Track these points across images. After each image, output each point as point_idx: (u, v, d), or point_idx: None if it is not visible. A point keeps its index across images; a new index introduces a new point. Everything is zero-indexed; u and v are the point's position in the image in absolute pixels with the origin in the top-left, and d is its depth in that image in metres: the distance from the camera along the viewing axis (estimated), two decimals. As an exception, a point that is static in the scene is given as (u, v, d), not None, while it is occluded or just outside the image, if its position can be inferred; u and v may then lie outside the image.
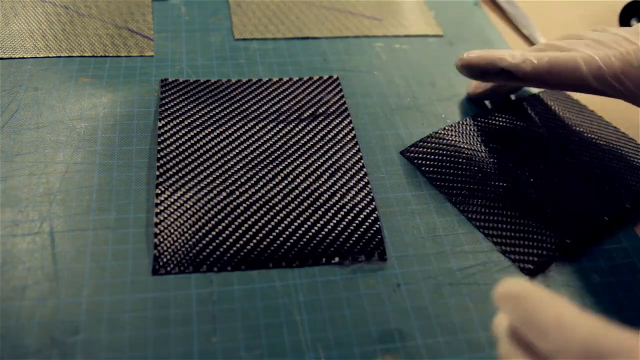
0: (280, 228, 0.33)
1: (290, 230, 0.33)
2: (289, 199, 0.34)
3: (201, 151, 0.36)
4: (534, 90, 0.44)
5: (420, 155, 0.38)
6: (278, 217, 0.33)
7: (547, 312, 0.20)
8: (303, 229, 0.33)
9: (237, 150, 0.37)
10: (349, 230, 0.33)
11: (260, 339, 0.28)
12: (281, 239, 0.32)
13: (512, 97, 0.44)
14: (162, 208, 0.33)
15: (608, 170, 0.38)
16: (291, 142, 0.38)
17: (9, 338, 0.27)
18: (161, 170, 0.35)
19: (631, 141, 0.41)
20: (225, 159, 0.36)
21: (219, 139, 0.37)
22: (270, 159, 0.37)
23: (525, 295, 0.21)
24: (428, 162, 0.38)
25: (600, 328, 0.19)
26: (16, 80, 0.40)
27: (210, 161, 0.36)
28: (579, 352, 0.19)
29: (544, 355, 0.20)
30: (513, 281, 0.22)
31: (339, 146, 0.38)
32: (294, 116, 0.40)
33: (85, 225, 0.32)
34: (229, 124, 0.38)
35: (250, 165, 0.36)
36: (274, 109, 0.40)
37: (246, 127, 0.38)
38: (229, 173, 0.35)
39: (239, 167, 0.36)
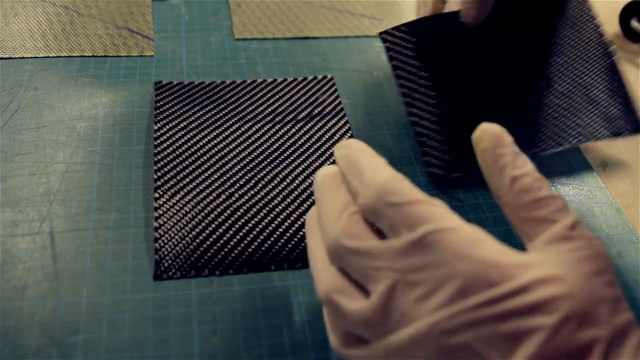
0: (280, 230, 0.33)
1: (291, 231, 0.33)
2: (288, 200, 0.34)
3: (198, 154, 0.36)
4: None
5: (396, 42, 0.38)
6: (278, 219, 0.33)
7: (364, 160, 0.24)
8: (304, 229, 0.33)
9: (234, 153, 0.37)
10: (349, 231, 0.33)
11: (260, 339, 0.28)
12: (282, 241, 0.32)
13: None
14: (161, 212, 0.33)
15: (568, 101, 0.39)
16: (288, 143, 0.38)
17: (9, 338, 0.27)
18: (159, 174, 0.35)
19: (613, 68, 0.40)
20: (223, 162, 0.36)
21: (215, 141, 0.37)
22: (268, 160, 0.36)
23: (353, 145, 0.25)
24: (399, 52, 0.38)
25: (395, 177, 0.22)
26: (16, 80, 0.40)
27: (208, 164, 0.36)
28: (376, 192, 0.22)
29: (354, 192, 0.23)
30: (346, 140, 0.26)
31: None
32: (290, 117, 0.40)
33: (85, 225, 0.32)
34: (224, 126, 0.38)
35: (248, 167, 0.36)
36: (269, 110, 0.40)
37: (242, 129, 0.38)
38: (227, 175, 0.35)
39: (236, 169, 0.36)
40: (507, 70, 0.39)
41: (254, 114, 0.40)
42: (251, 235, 0.32)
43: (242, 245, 0.32)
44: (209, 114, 0.39)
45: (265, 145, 0.37)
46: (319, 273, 0.24)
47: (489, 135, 0.23)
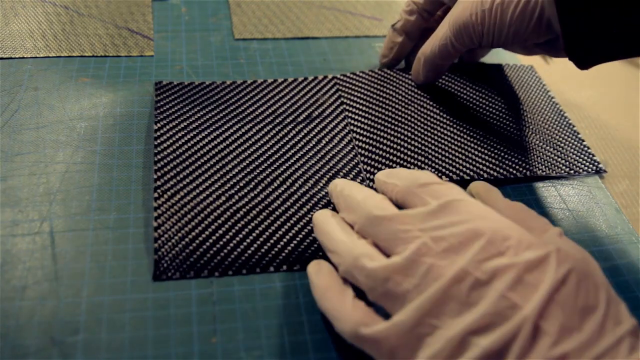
0: (281, 231, 0.33)
1: (291, 233, 0.33)
2: (288, 202, 0.34)
3: (198, 154, 0.36)
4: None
5: (346, 86, 0.42)
6: (278, 221, 0.33)
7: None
8: (304, 232, 0.33)
9: (234, 154, 0.37)
10: (349, 231, 0.33)
11: (260, 340, 0.28)
12: (282, 242, 0.32)
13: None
14: (160, 212, 0.33)
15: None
16: (289, 145, 0.38)
17: (9, 338, 0.27)
18: (159, 174, 0.35)
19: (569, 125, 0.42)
20: (223, 162, 0.36)
21: (215, 142, 0.37)
22: (269, 162, 0.36)
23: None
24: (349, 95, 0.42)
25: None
26: (16, 80, 0.40)
27: (208, 165, 0.36)
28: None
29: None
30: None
31: (337, 148, 0.38)
32: (290, 118, 0.40)
33: (85, 225, 0.32)
34: (225, 127, 0.38)
35: (248, 169, 0.36)
36: (269, 111, 0.40)
37: (243, 130, 0.38)
38: (227, 177, 0.35)
39: (237, 170, 0.36)
40: (448, 119, 0.40)
41: (254, 114, 0.40)
42: (251, 237, 0.32)
43: (242, 246, 0.32)
44: (209, 115, 0.39)
45: (266, 147, 0.37)
46: (344, 245, 0.27)
47: (477, 184, 0.31)
